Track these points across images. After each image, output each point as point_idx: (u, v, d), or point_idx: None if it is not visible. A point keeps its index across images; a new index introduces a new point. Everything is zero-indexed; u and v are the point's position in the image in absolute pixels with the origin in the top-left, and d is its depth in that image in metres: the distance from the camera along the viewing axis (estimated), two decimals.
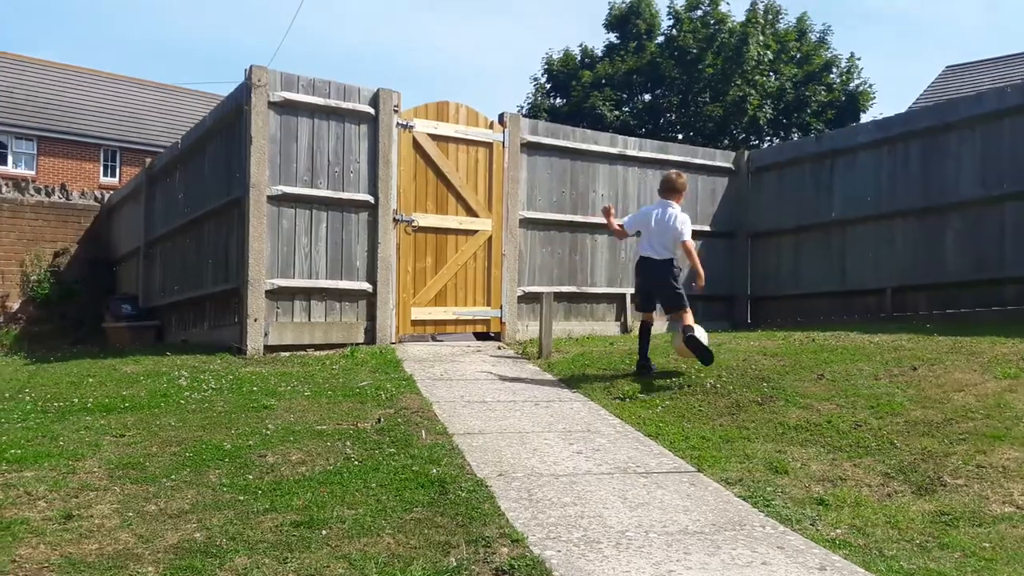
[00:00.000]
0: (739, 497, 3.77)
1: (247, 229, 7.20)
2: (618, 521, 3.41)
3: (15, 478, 3.86)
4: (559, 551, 3.07)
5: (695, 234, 10.01)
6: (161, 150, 17.38)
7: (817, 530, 3.40)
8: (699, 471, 4.15)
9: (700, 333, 5.95)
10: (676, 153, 10.23)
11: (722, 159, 10.61)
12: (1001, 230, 7.94)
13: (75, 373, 6.68)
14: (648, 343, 6.31)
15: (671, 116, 24.63)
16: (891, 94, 51.77)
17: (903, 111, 10.16)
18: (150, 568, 2.94)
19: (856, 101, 23.63)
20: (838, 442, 4.47)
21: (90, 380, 6.25)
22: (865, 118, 22.92)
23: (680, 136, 23.53)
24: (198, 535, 3.22)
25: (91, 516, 3.42)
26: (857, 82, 23.96)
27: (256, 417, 4.99)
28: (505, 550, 3.09)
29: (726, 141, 22.58)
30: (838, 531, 3.39)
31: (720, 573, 2.91)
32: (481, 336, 8.71)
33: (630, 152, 9.71)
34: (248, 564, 2.96)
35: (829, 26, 24.47)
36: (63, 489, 3.73)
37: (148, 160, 11.78)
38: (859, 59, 25.07)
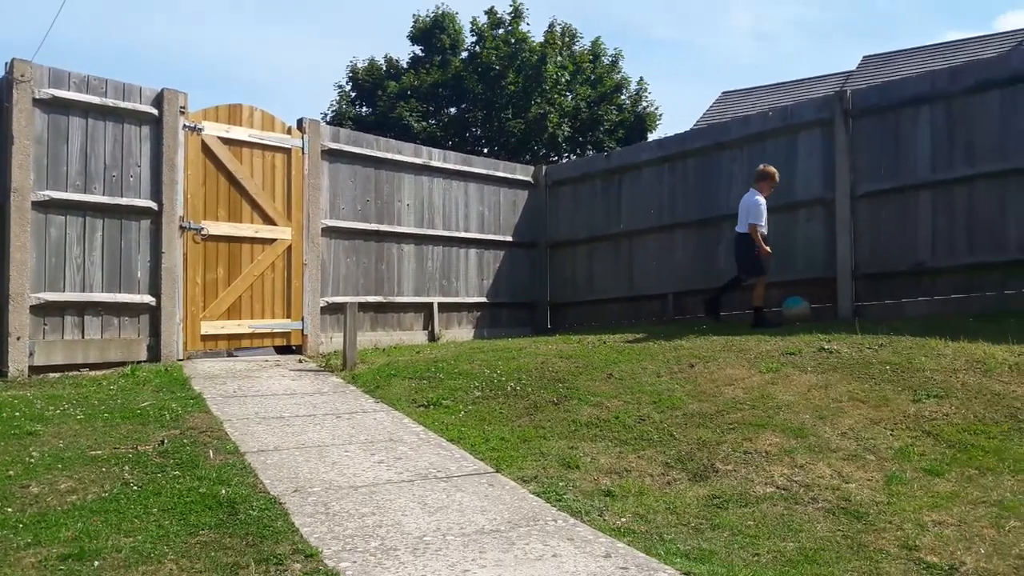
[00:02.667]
0: (534, 494, 3.90)
1: (8, 238, 6.49)
2: (416, 527, 3.41)
3: None
4: (355, 562, 3.02)
5: (500, 244, 10.40)
6: None
7: (604, 520, 3.59)
8: (498, 472, 4.25)
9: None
10: (480, 166, 10.47)
11: (522, 173, 10.98)
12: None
13: None
14: (724, 292, 8.35)
15: (476, 130, 25.14)
16: (677, 115, 56.32)
17: (684, 131, 11.06)
18: None
19: (644, 122, 25.33)
20: (624, 436, 4.76)
21: None
22: (653, 137, 24.68)
23: (486, 150, 24.07)
24: None
25: None
26: (645, 104, 25.70)
27: (18, 445, 4.48)
28: (298, 566, 2.99)
29: (528, 156, 23.38)
30: (623, 520, 3.60)
31: (513, 568, 2.99)
32: (282, 350, 8.39)
33: (435, 163, 9.80)
34: None
35: (621, 51, 26.13)
36: None
37: None
38: (647, 83, 26.94)
